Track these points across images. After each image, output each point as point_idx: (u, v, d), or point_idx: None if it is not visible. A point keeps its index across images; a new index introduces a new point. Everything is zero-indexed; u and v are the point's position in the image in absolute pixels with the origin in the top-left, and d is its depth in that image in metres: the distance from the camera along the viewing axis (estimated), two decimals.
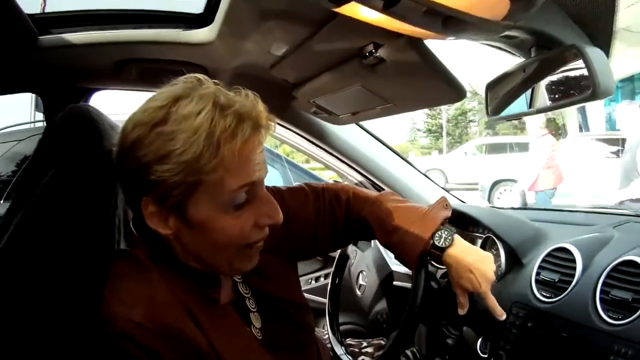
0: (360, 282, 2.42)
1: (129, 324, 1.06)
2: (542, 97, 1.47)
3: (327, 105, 2.11)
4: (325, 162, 2.80)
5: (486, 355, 1.79)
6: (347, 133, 2.63)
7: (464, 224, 2.15)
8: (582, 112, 15.72)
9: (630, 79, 17.52)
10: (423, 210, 1.58)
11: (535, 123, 8.73)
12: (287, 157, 6.00)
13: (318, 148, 2.70)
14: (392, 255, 1.82)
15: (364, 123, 2.64)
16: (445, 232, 1.50)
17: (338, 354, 1.84)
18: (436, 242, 1.50)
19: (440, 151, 31.05)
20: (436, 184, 2.87)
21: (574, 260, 1.63)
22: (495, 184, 13.72)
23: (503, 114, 1.63)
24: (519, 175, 12.69)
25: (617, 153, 11.73)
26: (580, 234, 1.80)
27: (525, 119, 8.40)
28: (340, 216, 1.64)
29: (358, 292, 2.38)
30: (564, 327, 1.53)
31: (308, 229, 1.60)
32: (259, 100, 1.13)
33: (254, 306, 1.36)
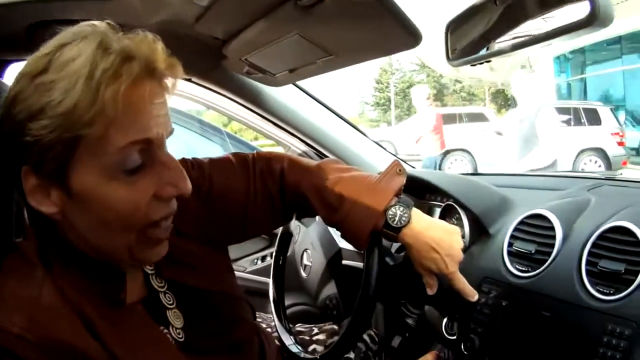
0: (305, 262, 2.04)
1: (7, 336, 0.84)
2: (519, 31, 1.22)
3: (261, 62, 1.82)
4: (265, 131, 2.50)
5: (454, 337, 1.58)
6: (286, 96, 2.30)
7: (420, 191, 1.92)
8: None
9: (581, 51, 17.80)
10: (372, 179, 1.32)
11: (422, 95, 9.47)
12: (235, 134, 5.57)
13: (257, 116, 2.41)
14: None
15: (307, 87, 2.37)
16: (401, 209, 1.26)
17: (286, 344, 1.59)
18: (390, 222, 1.26)
19: (389, 124, 30.81)
20: (389, 152, 2.59)
21: (551, 228, 1.42)
22: (445, 153, 13.07)
23: (469, 57, 1.37)
24: (469, 145, 12.86)
25: (568, 122, 11.98)
26: (551, 199, 1.60)
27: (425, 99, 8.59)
28: (275, 190, 1.37)
29: (303, 274, 2.05)
30: (545, 305, 1.33)
31: (236, 207, 1.33)
32: (159, 43, 0.92)
33: (171, 302, 1.12)
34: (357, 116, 39.53)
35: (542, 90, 15.78)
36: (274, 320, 1.72)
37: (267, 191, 1.36)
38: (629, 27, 14.57)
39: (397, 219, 1.25)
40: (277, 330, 1.66)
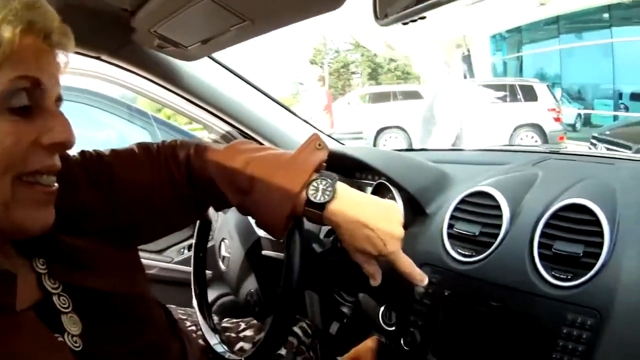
0: (223, 253, 1.71)
1: None
2: None
3: (172, 34, 1.55)
4: (187, 112, 2.14)
5: (393, 328, 1.37)
6: (205, 73, 2.00)
7: (349, 170, 1.66)
8: (467, 61, 15.13)
9: (518, 30, 17.51)
10: (287, 156, 1.07)
11: (314, 76, 9.69)
12: (168, 119, 5.13)
13: (177, 97, 2.05)
14: None
15: (235, 67, 2.06)
16: (323, 182, 1.01)
17: (211, 344, 1.33)
18: (311, 197, 1.00)
19: None
20: (320, 130, 2.26)
21: (497, 207, 1.22)
22: (380, 131, 12.85)
23: (398, 14, 1.09)
24: (404, 122, 12.60)
25: (503, 98, 11.65)
26: (493, 174, 1.39)
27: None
28: (182, 179, 1.13)
29: (222, 266, 1.73)
30: (494, 294, 1.13)
31: (141, 200, 1.09)
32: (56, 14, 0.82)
33: (67, 305, 0.90)
34: (292, 97, 37.45)
35: (477, 68, 15.56)
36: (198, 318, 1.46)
37: (174, 181, 1.12)
38: (567, 8, 14.48)
39: (319, 194, 1.00)
40: (204, 330, 1.40)
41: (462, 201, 1.27)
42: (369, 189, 1.50)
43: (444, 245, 1.23)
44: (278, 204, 1.02)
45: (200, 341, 1.36)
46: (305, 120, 2.22)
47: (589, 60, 14.70)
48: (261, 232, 1.49)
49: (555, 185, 1.21)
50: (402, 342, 1.24)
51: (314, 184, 1.00)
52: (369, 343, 1.62)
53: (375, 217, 1.01)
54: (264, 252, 1.43)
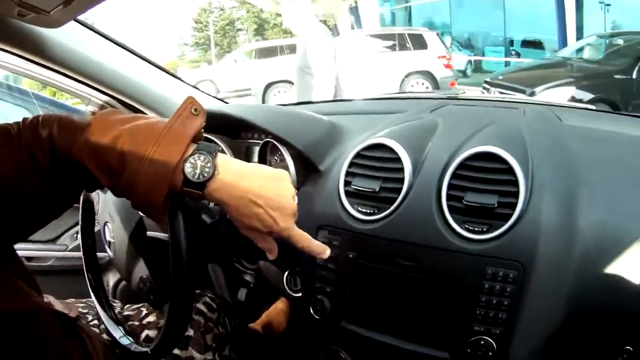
0: (108, 237, 1.31)
1: None
2: None
3: None
4: (61, 85, 1.69)
5: (299, 295, 1.13)
6: (74, 40, 1.55)
7: (233, 130, 1.35)
8: (355, 12, 14.10)
9: None
10: (160, 126, 0.78)
11: None
12: (54, 96, 4.43)
13: (49, 70, 1.60)
14: None
15: (116, 34, 1.68)
16: (201, 158, 0.75)
17: (116, 337, 1.04)
18: (189, 176, 0.75)
19: (210, 63, 25.70)
20: (206, 93, 1.92)
21: (397, 159, 0.97)
22: (268, 86, 11.46)
23: None
24: (293, 76, 11.61)
25: (392, 47, 10.79)
26: (390, 124, 1.13)
27: None
28: (46, 163, 0.80)
29: (110, 252, 1.32)
30: (404, 253, 0.91)
31: (6, 192, 0.78)
32: None
33: None
34: (177, 58, 33.87)
35: (365, 19, 14.59)
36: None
37: (39, 168, 0.80)
38: None
39: (197, 172, 0.75)
40: (105, 323, 1.10)
41: (358, 155, 1.01)
42: (257, 150, 1.23)
43: (342, 204, 0.98)
44: (152, 184, 0.74)
45: (105, 335, 1.08)
46: (189, 84, 1.86)
47: (479, 9, 14.17)
48: None
49: (458, 132, 0.99)
50: (311, 311, 1.01)
51: (191, 160, 0.74)
52: (280, 305, 1.38)
53: (263, 191, 0.78)
54: (149, 234, 1.13)
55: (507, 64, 12.58)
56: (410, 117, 1.16)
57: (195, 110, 0.79)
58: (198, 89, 1.87)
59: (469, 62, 14.28)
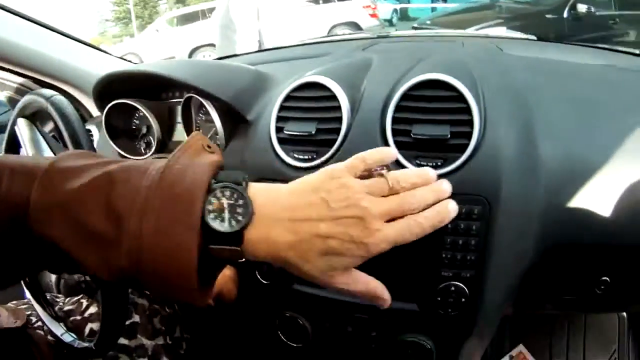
0: None
1: None
2: None
3: None
4: None
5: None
6: None
7: (153, 91, 1.10)
8: None
9: None
10: (167, 180, 0.46)
11: None
12: None
13: None
14: None
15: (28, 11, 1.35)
16: (226, 193, 0.47)
17: (58, 335, 0.87)
18: (216, 227, 0.45)
19: (132, 36, 23.48)
20: (128, 60, 1.63)
21: (332, 97, 0.79)
22: (193, 51, 10.57)
23: None
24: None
25: (315, 0, 10.13)
26: (320, 65, 0.94)
27: None
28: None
29: None
30: None
31: None
32: None
33: None
34: (99, 35, 30.81)
35: None
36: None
37: None
38: None
39: (226, 218, 0.46)
40: (46, 323, 0.92)
41: (289, 98, 0.83)
42: (179, 109, 1.01)
43: (275, 152, 0.80)
44: (174, 264, 0.44)
45: (49, 336, 0.91)
46: (110, 54, 1.58)
47: None
48: None
49: (395, 66, 0.82)
50: (257, 275, 0.84)
51: (212, 200, 0.46)
52: (226, 272, 1.20)
53: (325, 211, 0.49)
54: None
55: (433, 9, 12.06)
56: (340, 57, 0.98)
57: (208, 146, 0.53)
58: (124, 58, 1.61)
59: (395, 10, 13.58)
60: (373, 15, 10.09)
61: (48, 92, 0.78)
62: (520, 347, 1.38)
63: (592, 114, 0.76)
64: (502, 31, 1.39)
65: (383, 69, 0.85)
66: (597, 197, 0.71)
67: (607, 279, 0.77)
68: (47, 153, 0.90)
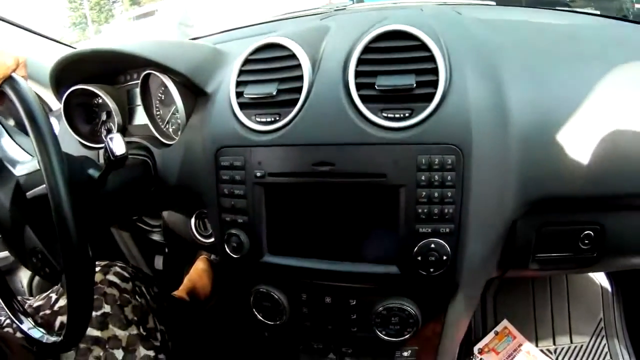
0: None
1: None
2: None
3: None
4: None
5: (211, 240, 0.90)
6: None
7: (109, 76, 0.99)
8: None
9: None
10: None
11: None
12: None
13: None
14: (12, 153, 0.79)
15: None
16: None
17: (26, 330, 0.80)
18: None
19: (89, 40, 23.94)
20: (64, 44, 1.43)
21: (292, 56, 0.72)
22: None
23: None
24: None
25: None
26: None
27: None
28: None
29: None
30: (317, 158, 0.67)
31: None
32: None
33: None
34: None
35: None
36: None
37: None
38: None
39: None
40: (13, 319, 0.84)
41: (247, 61, 0.75)
42: (138, 91, 0.94)
43: (236, 117, 0.73)
44: None
45: (19, 334, 0.85)
46: (47, 36, 1.44)
47: None
48: (18, 169, 0.81)
49: (355, 26, 0.75)
50: (228, 250, 0.76)
51: None
52: (200, 265, 1.12)
53: None
54: (29, 194, 0.82)
55: None
56: (297, 26, 0.91)
57: None
58: (58, 41, 1.48)
59: None
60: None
61: None
62: (505, 322, 1.33)
63: (555, 66, 0.71)
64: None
65: (342, 29, 0.78)
66: (569, 148, 0.66)
67: (591, 232, 0.73)
68: (6, 140, 0.81)
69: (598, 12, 1.02)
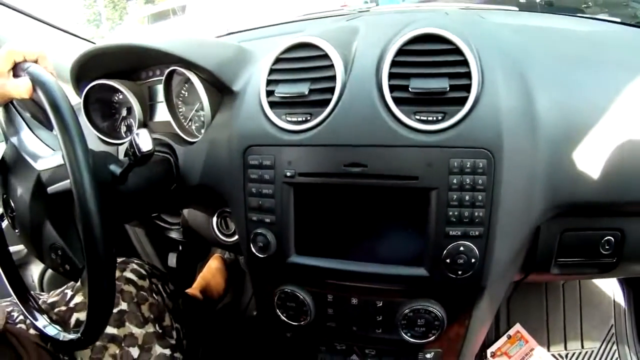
0: (10, 213, 0.84)
1: None
2: None
3: None
4: None
5: (234, 239, 0.90)
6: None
7: (132, 71, 0.98)
8: None
9: None
10: None
11: None
12: None
13: None
14: (32, 146, 0.79)
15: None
16: None
17: (41, 327, 0.78)
18: None
19: (103, 38, 23.37)
20: (83, 38, 1.47)
21: (324, 56, 0.71)
22: None
23: None
24: None
25: None
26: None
27: None
28: None
29: (16, 231, 0.85)
30: (350, 159, 0.67)
31: None
32: None
33: None
34: None
35: None
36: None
37: None
38: None
39: None
40: (28, 316, 0.81)
41: (278, 60, 0.74)
42: (160, 87, 0.93)
43: (266, 116, 0.72)
44: None
45: (32, 330, 0.84)
46: (67, 31, 1.42)
47: None
48: (40, 163, 0.79)
49: (386, 28, 0.74)
50: (254, 250, 0.75)
51: None
52: (214, 264, 1.11)
53: None
54: (50, 190, 0.81)
55: None
56: (325, 26, 0.90)
57: None
58: (78, 36, 1.47)
59: None
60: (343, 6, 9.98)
61: (25, 64, 0.69)
62: (517, 327, 1.32)
63: (581, 71, 0.71)
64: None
65: (372, 31, 0.77)
66: (594, 153, 0.66)
67: (612, 238, 0.73)
68: (26, 134, 0.80)
69: (618, 20, 1.01)
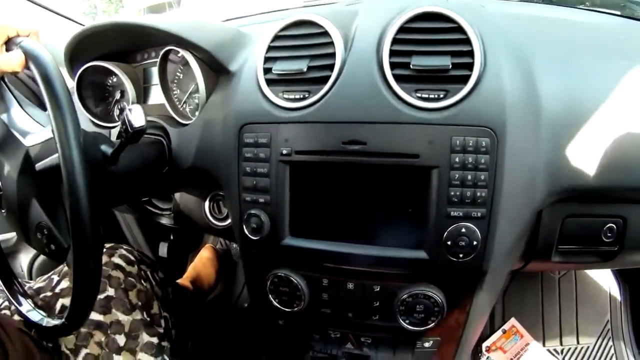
0: None
1: None
2: None
3: None
4: None
5: (227, 223, 0.88)
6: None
7: (126, 53, 0.95)
8: None
9: None
10: None
11: None
12: None
13: None
14: (22, 124, 0.77)
15: None
16: None
17: (24, 312, 0.77)
18: None
19: None
20: (75, 21, 1.45)
21: (324, 34, 0.69)
22: None
23: None
24: None
25: None
26: None
27: None
28: None
29: (3, 211, 0.81)
30: (349, 135, 0.64)
31: None
32: None
33: None
34: None
35: None
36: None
37: None
38: None
39: None
40: (12, 301, 0.79)
41: (277, 37, 0.72)
42: (155, 69, 0.90)
43: (263, 93, 0.69)
44: None
45: (16, 317, 0.82)
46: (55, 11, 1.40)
47: None
48: (28, 139, 0.76)
49: (386, 9, 0.71)
50: (246, 232, 0.72)
51: None
52: (204, 254, 1.09)
53: None
54: (38, 166, 0.78)
55: None
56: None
57: None
58: (72, 19, 1.44)
59: None
60: None
61: (18, 39, 0.67)
62: (513, 321, 1.30)
63: (583, 58, 0.69)
64: None
65: (372, 12, 0.75)
66: (596, 138, 0.65)
67: (614, 225, 0.71)
68: (17, 111, 0.78)
69: (618, 13, 1.00)
